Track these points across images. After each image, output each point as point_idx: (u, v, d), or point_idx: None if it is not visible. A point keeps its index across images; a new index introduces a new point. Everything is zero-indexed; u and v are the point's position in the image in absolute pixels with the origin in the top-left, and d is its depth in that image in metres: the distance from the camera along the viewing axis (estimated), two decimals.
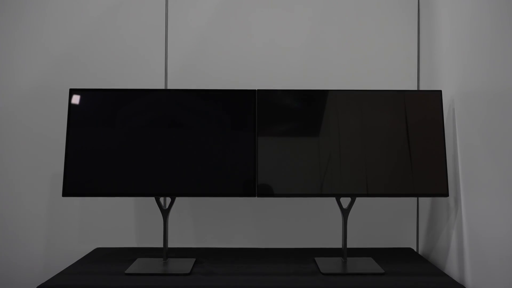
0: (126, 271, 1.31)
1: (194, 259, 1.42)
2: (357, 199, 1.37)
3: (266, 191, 1.33)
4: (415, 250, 1.64)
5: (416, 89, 1.64)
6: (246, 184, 1.33)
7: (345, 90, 1.38)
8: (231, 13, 1.65)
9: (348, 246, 1.44)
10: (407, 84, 1.64)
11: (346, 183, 1.33)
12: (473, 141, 1.22)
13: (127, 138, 1.35)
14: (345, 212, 1.37)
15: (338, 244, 1.51)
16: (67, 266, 1.39)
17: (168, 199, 1.56)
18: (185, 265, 1.36)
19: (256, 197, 1.33)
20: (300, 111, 1.37)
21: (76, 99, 1.36)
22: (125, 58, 1.64)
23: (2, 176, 1.63)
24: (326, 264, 1.36)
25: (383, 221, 1.64)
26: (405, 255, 1.52)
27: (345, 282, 1.24)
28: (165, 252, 1.39)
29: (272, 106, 1.36)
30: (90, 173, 1.33)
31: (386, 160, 1.34)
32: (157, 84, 1.63)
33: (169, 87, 1.63)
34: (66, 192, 1.32)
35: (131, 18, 1.65)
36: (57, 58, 1.63)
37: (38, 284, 1.20)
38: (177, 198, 1.40)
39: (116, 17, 1.64)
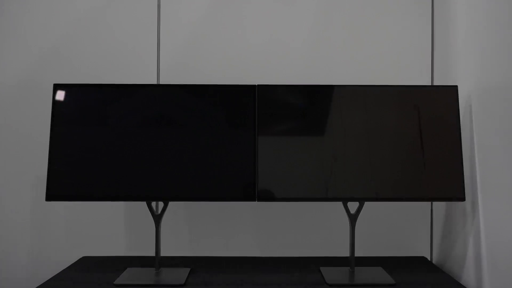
0: (115, 282, 1.30)
1: (189, 269, 1.42)
2: (366, 203, 1.37)
3: (267, 195, 1.33)
4: (429, 259, 1.63)
5: (430, 84, 1.63)
6: (245, 187, 1.33)
7: (352, 85, 1.38)
8: (229, 6, 1.64)
9: (356, 254, 1.43)
10: (420, 79, 1.63)
11: (353, 186, 1.32)
12: (492, 141, 1.21)
13: (116, 137, 1.34)
14: (352, 218, 1.37)
15: (345, 253, 1.51)
16: (52, 276, 1.39)
17: (161, 204, 1.55)
18: (179, 275, 1.36)
19: (256, 202, 1.33)
20: (304, 109, 1.36)
21: (60, 95, 1.36)
22: (115, 54, 1.64)
23: None
24: (332, 274, 1.36)
25: (394, 228, 1.64)
26: (418, 264, 1.52)
27: None
28: (158, 261, 1.39)
29: (274, 103, 1.36)
30: (76, 175, 1.32)
31: (397, 162, 1.33)
32: (148, 82, 1.63)
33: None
34: (50, 196, 1.32)
35: (121, 12, 1.65)
36: (43, 53, 1.63)
37: None
38: (170, 203, 1.40)
39: (106, 10, 1.64)
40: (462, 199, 1.31)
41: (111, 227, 1.64)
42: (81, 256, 1.60)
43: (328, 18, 1.64)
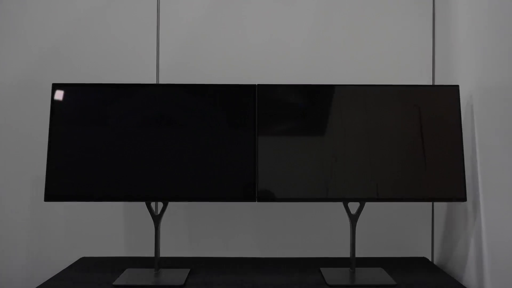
0: (114, 283, 1.30)
1: (188, 270, 1.42)
2: (367, 204, 1.36)
3: (267, 196, 1.32)
4: (430, 259, 1.63)
5: (431, 84, 1.63)
6: (245, 187, 1.32)
7: (352, 85, 1.37)
8: (229, 6, 1.64)
9: (357, 255, 1.43)
10: (421, 79, 1.63)
11: (354, 187, 1.32)
12: (493, 141, 1.21)
13: (116, 137, 1.34)
14: (353, 218, 1.36)
15: (346, 253, 1.50)
16: (50, 277, 1.38)
17: (160, 204, 1.55)
18: (178, 276, 1.35)
19: (256, 202, 1.32)
20: (304, 108, 1.36)
21: (59, 95, 1.35)
22: (115, 54, 1.64)
23: None
24: (332, 275, 1.35)
25: (394, 228, 1.64)
26: (419, 265, 1.51)
27: None
28: (157, 262, 1.38)
29: (274, 102, 1.35)
30: (75, 175, 1.32)
31: (397, 162, 1.33)
32: (148, 81, 1.63)
33: None
34: (49, 196, 1.32)
35: (121, 12, 1.65)
36: (43, 53, 1.63)
37: None
38: (170, 203, 1.39)
39: (106, 10, 1.64)
40: (463, 199, 1.31)
41: (111, 227, 1.63)
42: (80, 257, 1.60)
43: (328, 18, 1.64)
